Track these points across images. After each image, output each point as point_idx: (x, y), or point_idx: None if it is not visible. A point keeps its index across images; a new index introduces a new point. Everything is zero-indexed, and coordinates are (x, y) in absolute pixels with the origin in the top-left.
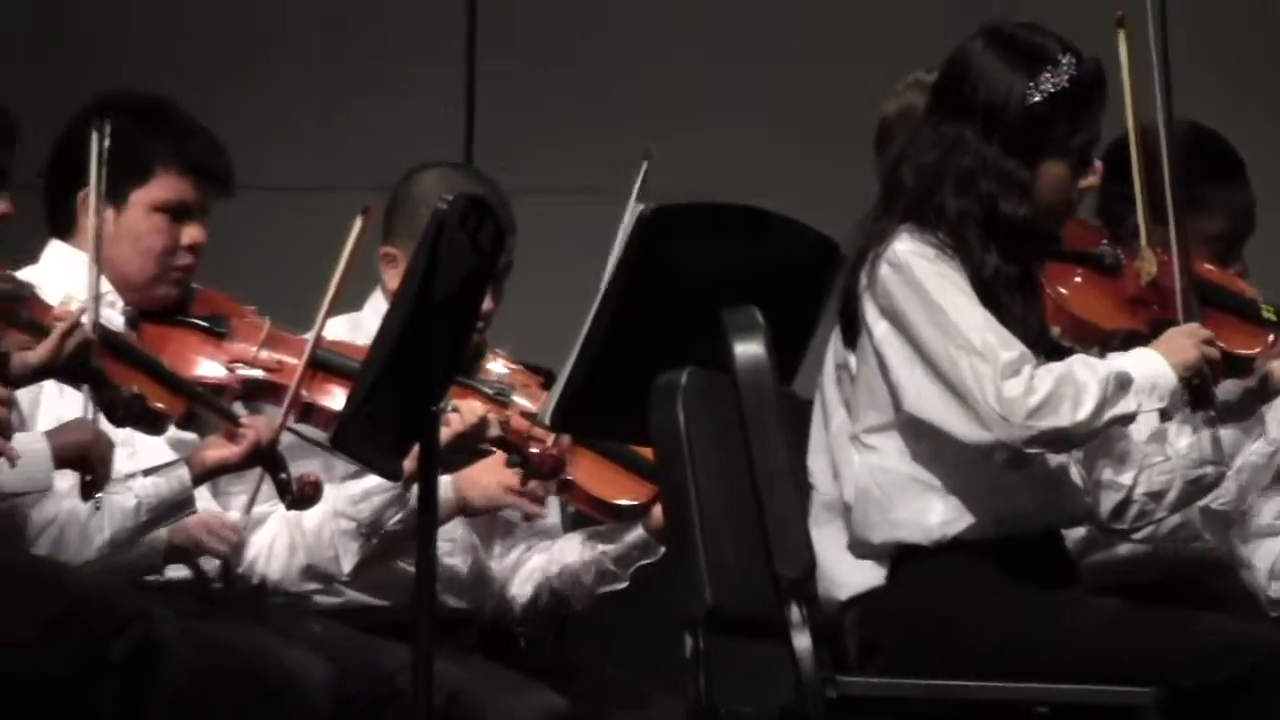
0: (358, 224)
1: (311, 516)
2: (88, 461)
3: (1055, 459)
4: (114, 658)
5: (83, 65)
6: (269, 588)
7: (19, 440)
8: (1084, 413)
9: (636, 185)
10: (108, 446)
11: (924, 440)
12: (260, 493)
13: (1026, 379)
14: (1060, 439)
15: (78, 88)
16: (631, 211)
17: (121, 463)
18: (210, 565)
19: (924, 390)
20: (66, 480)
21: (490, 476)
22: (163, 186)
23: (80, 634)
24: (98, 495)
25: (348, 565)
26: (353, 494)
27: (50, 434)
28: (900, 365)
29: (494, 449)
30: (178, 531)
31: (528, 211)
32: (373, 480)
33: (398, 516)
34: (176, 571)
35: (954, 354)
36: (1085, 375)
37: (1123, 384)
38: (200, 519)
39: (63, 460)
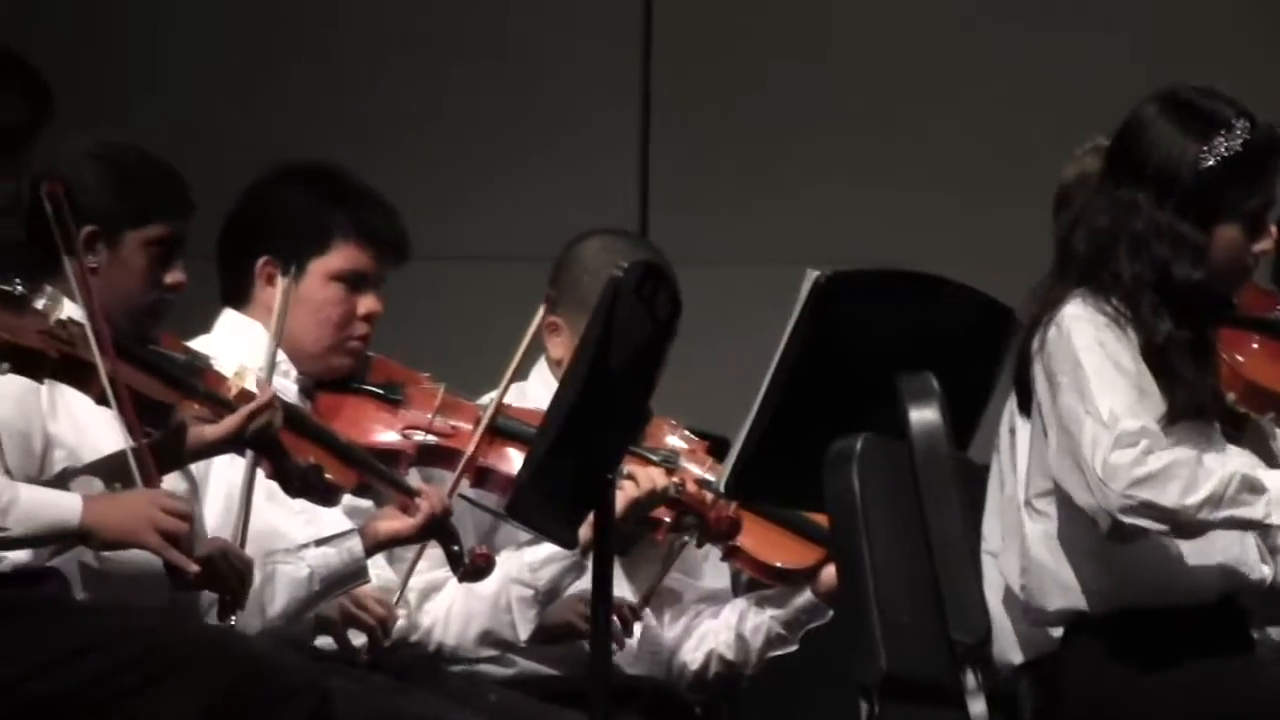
0: (540, 312)
1: (488, 583)
2: (226, 582)
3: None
4: None
5: (257, 137)
6: (445, 654)
7: None
8: (1193, 499)
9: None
10: (246, 567)
11: (1076, 505)
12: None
13: (1141, 451)
14: (1162, 517)
15: (252, 159)
16: (807, 278)
17: (297, 530)
18: (358, 639)
19: (1058, 452)
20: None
21: None
22: (340, 257)
23: (252, 703)
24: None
25: (524, 632)
26: (530, 561)
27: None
28: (1050, 428)
29: (667, 517)
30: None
31: (702, 279)
32: (550, 547)
33: (576, 583)
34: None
35: (1081, 418)
36: (1212, 465)
37: (1251, 487)
38: (355, 592)
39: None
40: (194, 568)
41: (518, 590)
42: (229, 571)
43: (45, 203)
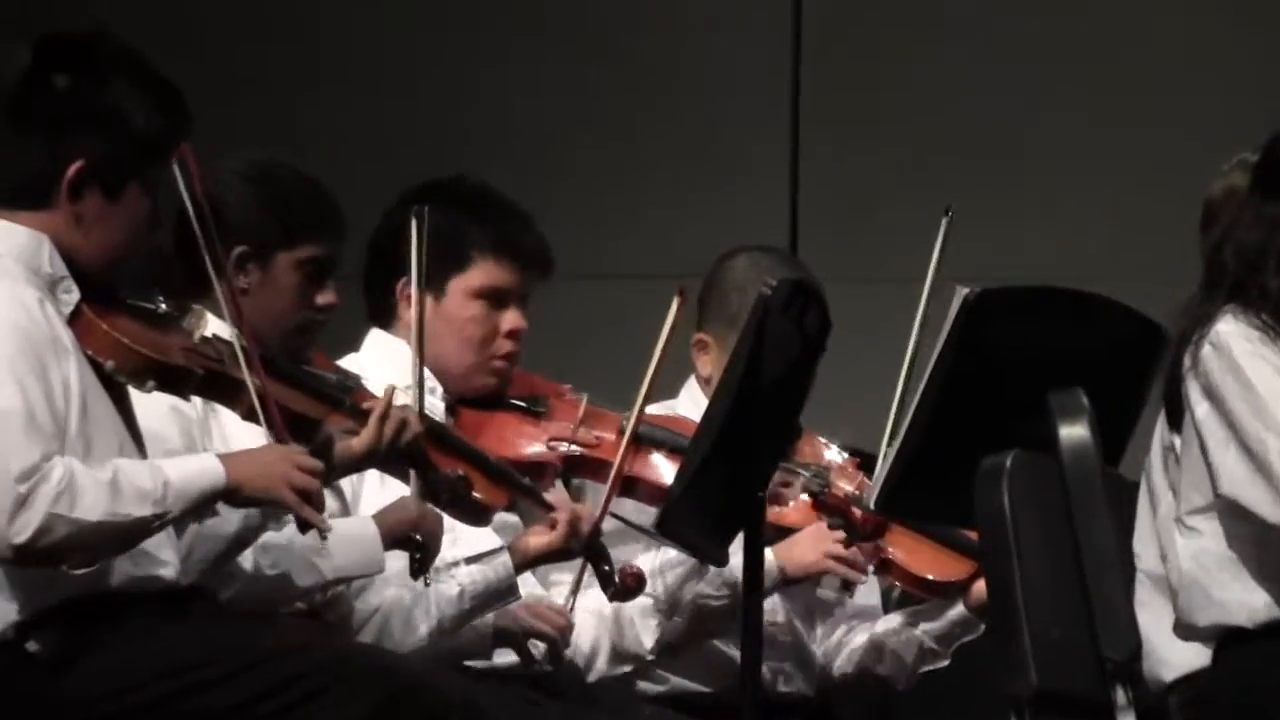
0: (674, 305)
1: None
2: (416, 538)
3: None
4: None
5: (404, 156)
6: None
7: (346, 525)
8: None
9: (938, 247)
10: (435, 521)
11: (1244, 523)
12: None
13: None
14: None
15: (397, 178)
16: (957, 295)
17: (445, 549)
18: (538, 649)
19: (1236, 472)
20: (392, 564)
21: (809, 545)
22: (481, 274)
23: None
24: (425, 575)
25: (649, 642)
26: (649, 570)
27: (377, 516)
28: (1217, 447)
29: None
30: (504, 614)
31: (851, 296)
32: (668, 554)
33: (696, 590)
34: (503, 657)
35: (1263, 435)
36: None
37: None
38: (526, 602)
39: (392, 541)
40: (327, 525)
41: (638, 601)
42: (427, 529)
43: (194, 222)
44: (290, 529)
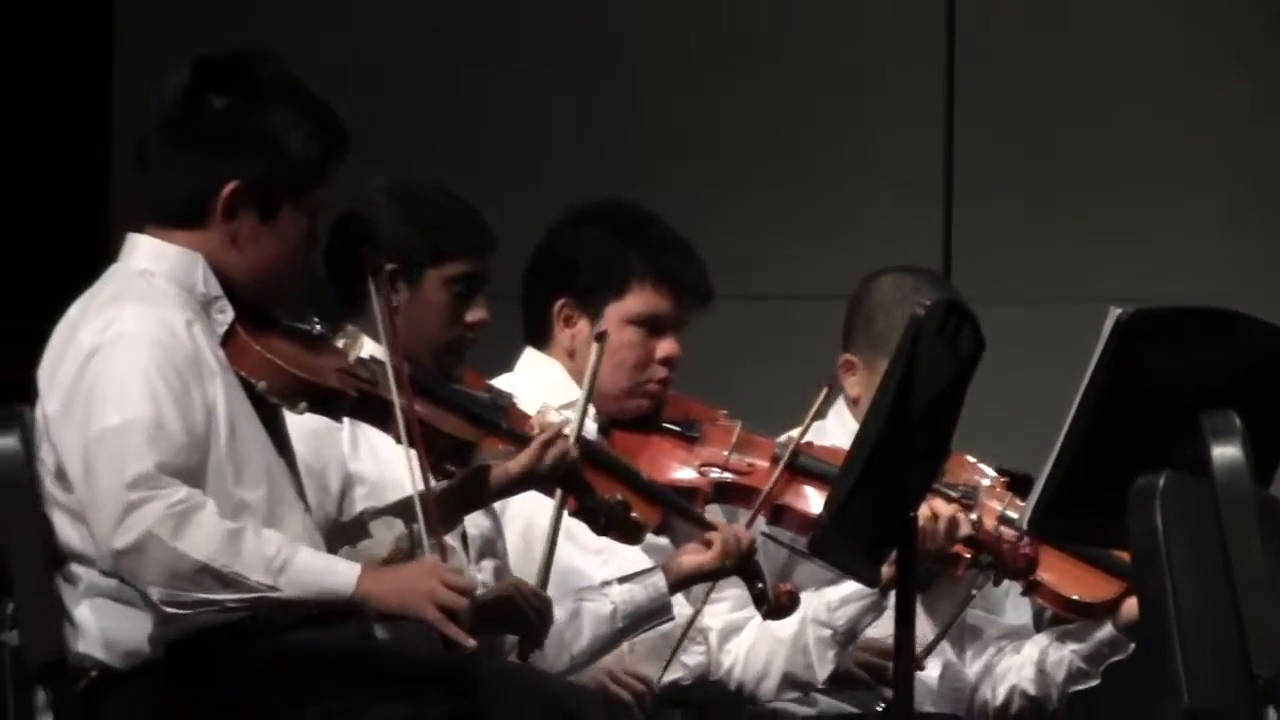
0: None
1: (787, 624)
2: (525, 620)
3: None
4: None
5: (563, 175)
6: (745, 694)
7: None
8: None
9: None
10: (545, 606)
11: None
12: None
13: None
14: None
15: (555, 196)
16: (1109, 316)
17: (595, 569)
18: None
19: None
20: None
21: None
22: (638, 300)
23: None
24: (533, 653)
25: (823, 673)
26: (829, 601)
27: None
28: None
29: (965, 553)
30: (589, 676)
31: (1003, 317)
32: (849, 587)
33: (872, 623)
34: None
35: None
36: None
37: None
38: (611, 668)
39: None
40: (471, 643)
41: (816, 631)
42: (527, 610)
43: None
44: None
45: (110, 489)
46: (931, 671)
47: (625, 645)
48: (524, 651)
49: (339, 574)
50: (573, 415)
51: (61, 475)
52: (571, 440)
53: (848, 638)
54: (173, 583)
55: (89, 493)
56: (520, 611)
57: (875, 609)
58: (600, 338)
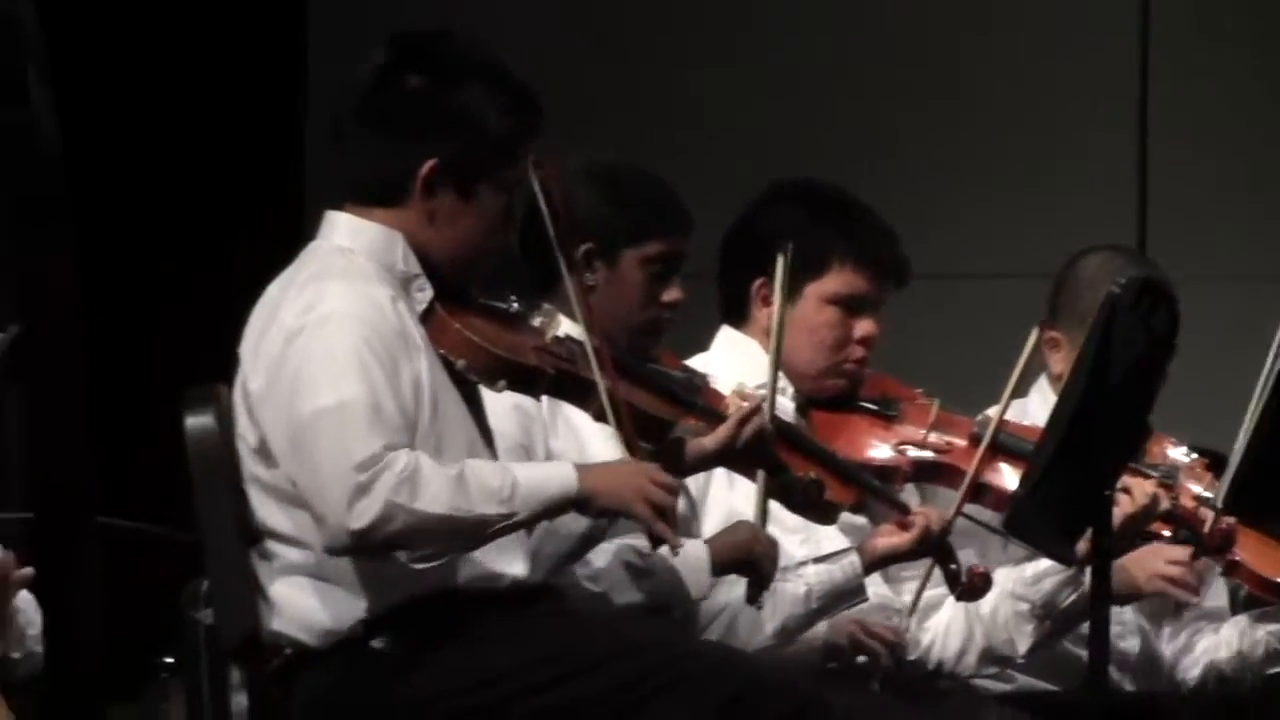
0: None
1: (985, 600)
2: (751, 564)
3: None
4: None
5: (759, 154)
6: (945, 672)
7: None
8: None
9: None
10: (770, 546)
11: None
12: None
13: None
14: None
15: (754, 176)
16: None
17: (794, 549)
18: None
19: None
20: None
21: (1139, 565)
22: (837, 280)
23: (752, 718)
24: (762, 595)
25: (1023, 647)
26: (1026, 576)
27: (713, 539)
28: None
29: (1164, 531)
30: (837, 628)
31: (1200, 295)
32: (1046, 562)
33: (1071, 598)
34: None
35: None
36: None
37: None
38: (859, 618)
39: (725, 565)
40: (679, 542)
41: (1015, 605)
42: (760, 553)
43: (548, 223)
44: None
45: (336, 472)
46: (1131, 648)
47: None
48: (753, 595)
49: (561, 477)
50: (770, 392)
51: (263, 452)
52: (766, 415)
53: (1046, 611)
54: (423, 543)
55: (307, 474)
56: (752, 553)
57: (1073, 583)
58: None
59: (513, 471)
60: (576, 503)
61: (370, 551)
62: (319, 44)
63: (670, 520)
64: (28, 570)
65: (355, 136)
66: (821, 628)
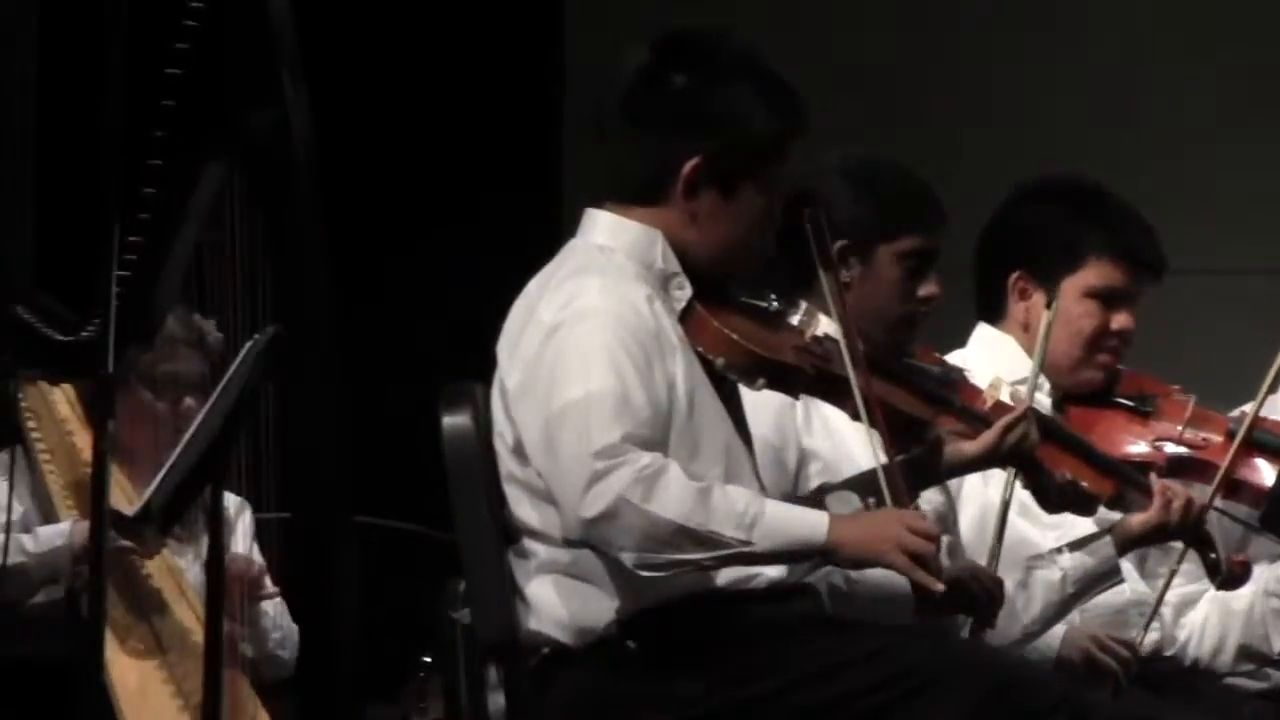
0: None
1: (1240, 597)
2: (975, 603)
3: None
4: None
5: (1013, 149)
6: (1200, 668)
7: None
8: None
9: None
10: (994, 586)
11: None
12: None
13: None
14: None
15: (1007, 172)
16: None
17: (1049, 543)
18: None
19: None
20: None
21: None
22: (1095, 274)
23: (1010, 714)
24: (985, 631)
25: (1278, 644)
26: None
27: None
28: None
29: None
30: (1070, 644)
31: None
32: None
33: None
34: None
35: None
36: None
37: None
38: (1092, 633)
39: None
40: (939, 587)
41: (1271, 603)
42: (978, 592)
43: (805, 224)
44: None
45: (576, 459)
46: None
47: (1075, 615)
48: (975, 632)
49: (810, 523)
50: (1025, 389)
51: (519, 450)
52: (1030, 419)
53: None
54: (647, 545)
55: (552, 464)
56: (973, 594)
57: None
58: (1049, 304)
59: (763, 504)
60: (822, 551)
61: (599, 544)
62: (576, 39)
63: (930, 568)
64: (274, 590)
65: (618, 134)
66: (1056, 642)
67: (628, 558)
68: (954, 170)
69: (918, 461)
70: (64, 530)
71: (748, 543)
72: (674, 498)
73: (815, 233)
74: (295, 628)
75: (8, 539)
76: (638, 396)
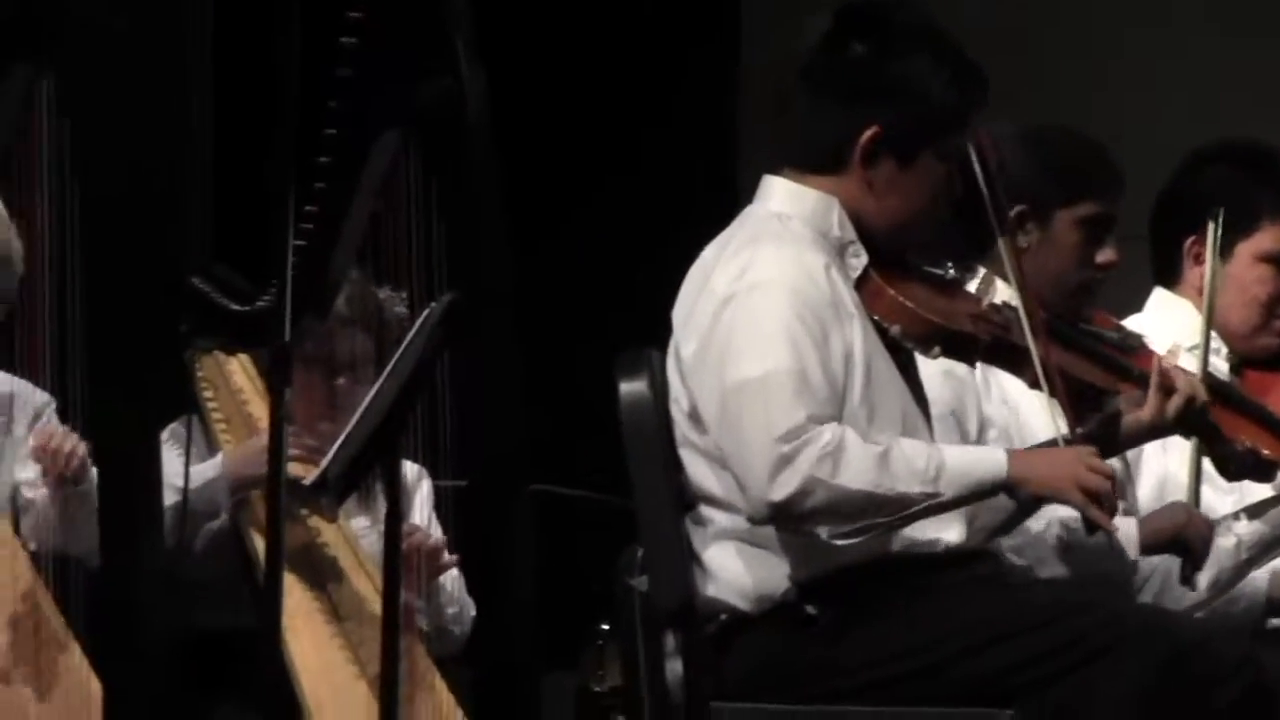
0: None
1: None
2: (1184, 545)
3: None
4: (1217, 704)
5: (1192, 113)
6: None
7: None
8: None
9: None
10: (1205, 528)
11: None
12: None
13: None
14: None
15: (1177, 136)
16: None
17: (1228, 509)
18: None
19: None
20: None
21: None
22: (1269, 237)
23: (1186, 683)
24: (1196, 575)
25: None
26: None
27: (1145, 520)
28: None
29: None
30: (1278, 583)
31: None
32: None
33: None
34: None
35: None
36: None
37: None
38: None
39: (1155, 546)
40: (1114, 526)
41: None
42: (1194, 534)
43: (982, 187)
44: None
45: (760, 443)
46: None
47: None
48: (1185, 575)
49: (990, 461)
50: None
51: (695, 416)
52: (1200, 383)
53: None
54: (838, 519)
55: (734, 444)
56: (1185, 535)
57: None
58: (1208, 262)
59: (941, 453)
60: (1006, 487)
61: (790, 523)
62: (752, 11)
63: (1106, 506)
64: (453, 559)
65: (798, 103)
66: (1262, 583)
67: (823, 531)
68: (1128, 135)
69: (1096, 430)
70: (216, 463)
71: (935, 494)
72: (858, 468)
73: (982, 165)
74: (470, 602)
75: (185, 507)
76: (816, 374)
